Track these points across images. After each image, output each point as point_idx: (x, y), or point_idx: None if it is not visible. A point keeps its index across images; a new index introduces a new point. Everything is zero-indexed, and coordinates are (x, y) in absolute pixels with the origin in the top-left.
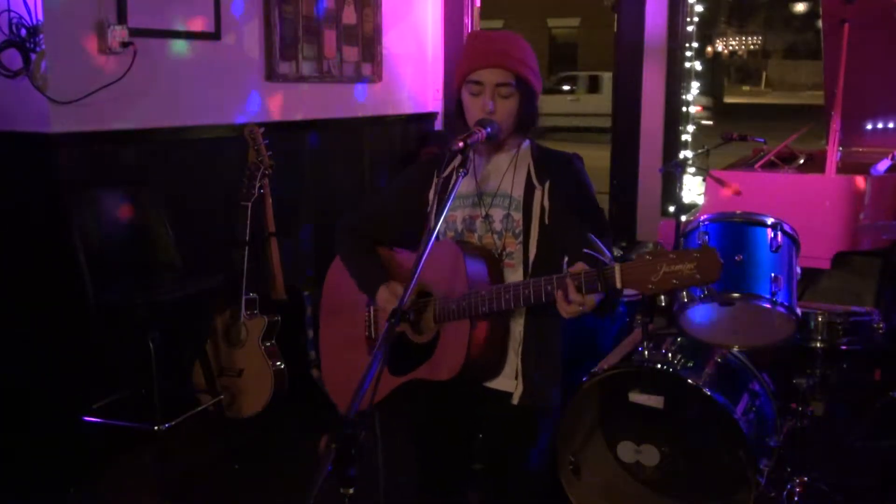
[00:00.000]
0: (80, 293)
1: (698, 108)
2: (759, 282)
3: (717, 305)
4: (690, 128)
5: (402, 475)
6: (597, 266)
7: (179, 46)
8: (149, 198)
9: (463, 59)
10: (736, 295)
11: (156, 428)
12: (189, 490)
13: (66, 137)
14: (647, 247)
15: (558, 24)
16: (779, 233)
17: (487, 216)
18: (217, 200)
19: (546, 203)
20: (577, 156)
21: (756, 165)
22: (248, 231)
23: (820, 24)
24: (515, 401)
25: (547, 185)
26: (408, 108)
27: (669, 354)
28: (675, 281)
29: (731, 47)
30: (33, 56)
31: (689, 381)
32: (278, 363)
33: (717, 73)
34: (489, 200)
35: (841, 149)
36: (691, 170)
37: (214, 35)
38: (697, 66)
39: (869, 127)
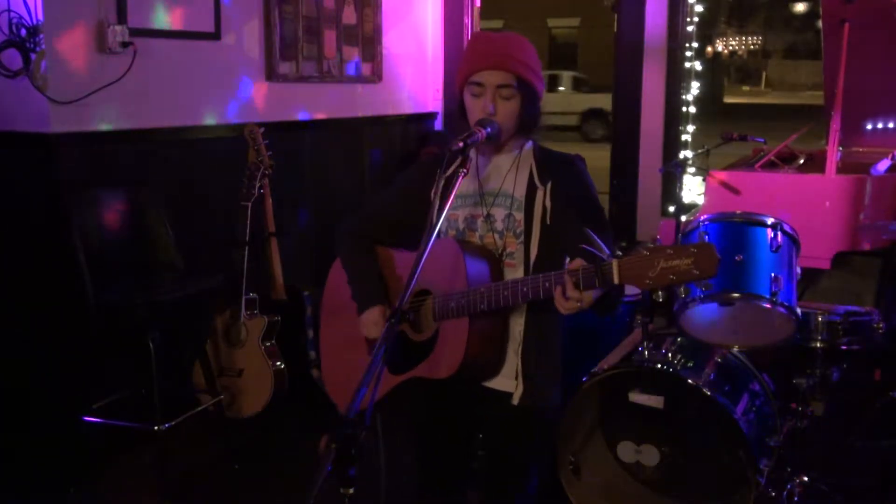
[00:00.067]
0: (80, 293)
1: None
2: (759, 282)
3: (717, 305)
4: (690, 128)
5: (402, 475)
6: (595, 262)
7: (179, 46)
8: (149, 198)
9: (464, 60)
10: (736, 295)
11: (156, 428)
12: (189, 490)
13: (66, 137)
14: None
15: (558, 24)
16: (779, 233)
17: (489, 216)
18: (217, 200)
19: (548, 203)
20: (579, 157)
21: (756, 165)
22: (248, 231)
23: (820, 24)
24: (516, 401)
25: (549, 185)
26: (408, 108)
27: (669, 354)
28: (672, 276)
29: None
30: (33, 56)
31: (689, 381)
32: (278, 363)
33: (717, 73)
34: (491, 200)
35: (841, 149)
36: (691, 170)
37: (214, 35)
38: (697, 66)
39: (869, 127)
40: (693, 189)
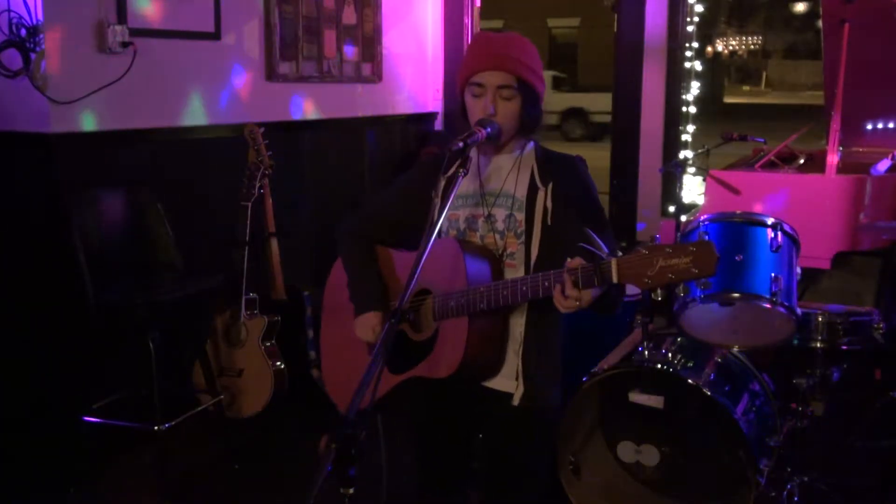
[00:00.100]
0: (80, 293)
1: None
2: (759, 282)
3: (717, 305)
4: (690, 128)
5: (402, 475)
6: (594, 261)
7: (179, 46)
8: (149, 198)
9: (466, 60)
10: (736, 295)
11: (156, 428)
12: (189, 490)
13: (66, 137)
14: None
15: (558, 24)
16: (779, 233)
17: (490, 216)
18: (217, 200)
19: (549, 204)
20: (580, 158)
21: (756, 165)
22: (248, 231)
23: (820, 24)
24: (516, 402)
25: (550, 186)
26: (408, 108)
27: (669, 354)
28: (671, 275)
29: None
30: (33, 56)
31: (689, 381)
32: (278, 363)
33: (717, 73)
34: (492, 200)
35: (841, 149)
36: (691, 170)
37: (214, 35)
38: (697, 66)
39: (869, 127)
40: (693, 189)
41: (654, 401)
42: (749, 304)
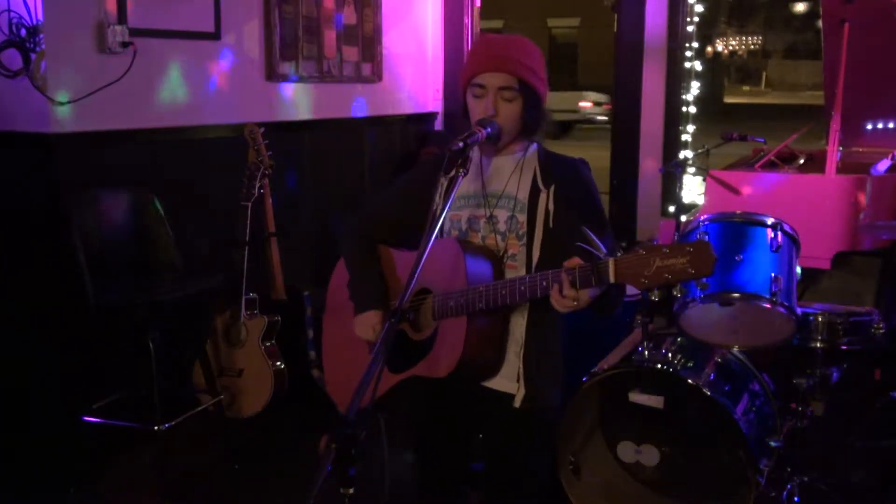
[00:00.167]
0: (80, 293)
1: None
2: (758, 282)
3: (717, 305)
4: (690, 128)
5: (402, 475)
6: (591, 261)
7: (179, 46)
8: (149, 198)
9: (467, 62)
10: (736, 295)
11: (156, 428)
12: (189, 490)
13: (66, 137)
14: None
15: (558, 24)
16: (779, 233)
17: (492, 217)
18: (217, 200)
19: (551, 206)
20: (583, 160)
21: (756, 165)
22: (248, 231)
23: (820, 24)
24: (517, 403)
25: (552, 188)
26: (408, 108)
27: (669, 354)
28: (667, 275)
29: (731, 47)
30: (33, 56)
31: (689, 381)
32: (278, 363)
33: (717, 73)
34: (494, 201)
35: (841, 149)
36: (691, 170)
37: (214, 35)
38: (697, 66)
39: (869, 127)
40: (693, 189)
41: (654, 401)
42: (749, 304)
